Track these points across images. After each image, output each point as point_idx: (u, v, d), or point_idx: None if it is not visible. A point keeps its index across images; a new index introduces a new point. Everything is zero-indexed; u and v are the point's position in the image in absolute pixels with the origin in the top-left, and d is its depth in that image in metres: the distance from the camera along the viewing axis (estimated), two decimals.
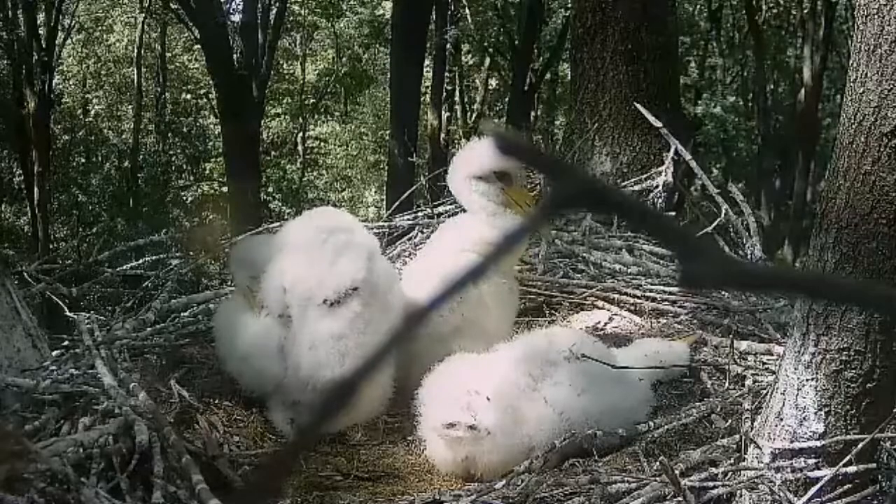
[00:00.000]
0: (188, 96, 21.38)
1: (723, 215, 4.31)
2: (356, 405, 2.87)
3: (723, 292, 3.71)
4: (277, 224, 4.22)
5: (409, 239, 4.28)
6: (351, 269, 2.88)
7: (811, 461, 2.30)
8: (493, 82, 19.47)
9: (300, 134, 22.11)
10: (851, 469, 2.26)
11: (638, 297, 3.77)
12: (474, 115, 18.89)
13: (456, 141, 18.81)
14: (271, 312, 2.95)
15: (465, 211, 3.35)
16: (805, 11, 16.50)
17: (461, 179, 3.23)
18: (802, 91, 16.03)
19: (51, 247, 14.54)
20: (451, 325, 3.07)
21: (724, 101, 18.14)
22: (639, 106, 4.84)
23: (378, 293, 2.90)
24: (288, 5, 16.68)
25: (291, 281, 2.92)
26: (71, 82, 20.40)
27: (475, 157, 3.20)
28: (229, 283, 4.09)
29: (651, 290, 3.81)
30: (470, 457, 2.65)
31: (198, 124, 21.09)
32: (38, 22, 15.82)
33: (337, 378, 2.82)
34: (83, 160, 20.43)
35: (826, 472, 2.26)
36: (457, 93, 19.16)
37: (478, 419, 2.65)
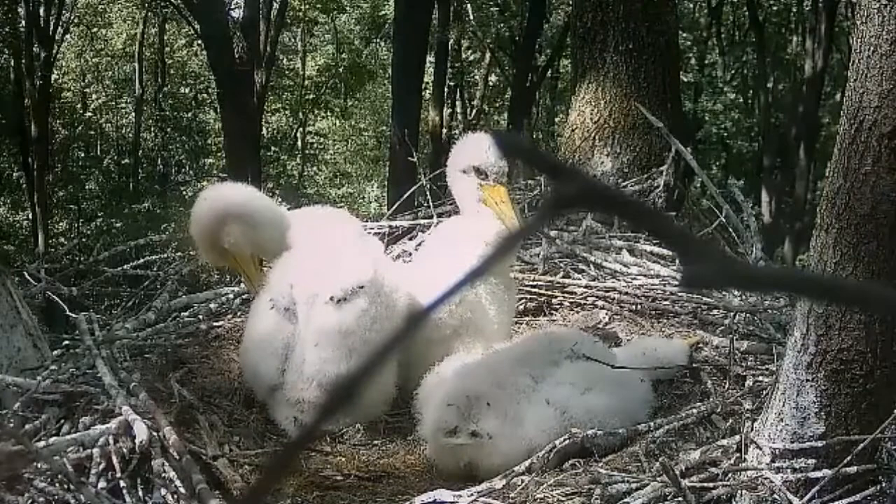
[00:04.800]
0: (187, 90, 21.37)
1: (723, 215, 4.30)
2: (358, 405, 2.87)
3: (723, 292, 3.71)
4: None
5: (410, 239, 4.28)
6: (357, 268, 2.90)
7: (812, 461, 2.30)
8: (493, 78, 19.45)
9: (300, 129, 22.11)
10: (852, 469, 2.26)
11: (638, 297, 3.77)
12: (474, 112, 18.87)
13: (457, 137, 18.78)
14: (276, 306, 2.95)
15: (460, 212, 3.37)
16: (807, 9, 16.48)
17: (451, 175, 3.26)
18: (803, 88, 16.02)
19: (50, 242, 14.55)
20: (451, 326, 3.07)
21: (725, 99, 18.14)
22: (639, 106, 4.83)
23: (384, 292, 2.91)
24: (288, 0, 16.68)
25: (298, 277, 2.93)
26: (69, 77, 20.37)
27: (458, 151, 3.23)
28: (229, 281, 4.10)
29: (651, 290, 3.81)
30: (472, 461, 2.66)
31: (197, 119, 21.07)
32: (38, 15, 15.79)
33: (341, 376, 2.83)
34: (82, 155, 20.42)
35: (826, 473, 2.26)
36: (458, 89, 19.15)
37: (479, 425, 2.65)
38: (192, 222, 3.13)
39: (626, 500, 2.35)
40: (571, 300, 3.84)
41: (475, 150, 3.15)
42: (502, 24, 16.85)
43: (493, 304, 3.15)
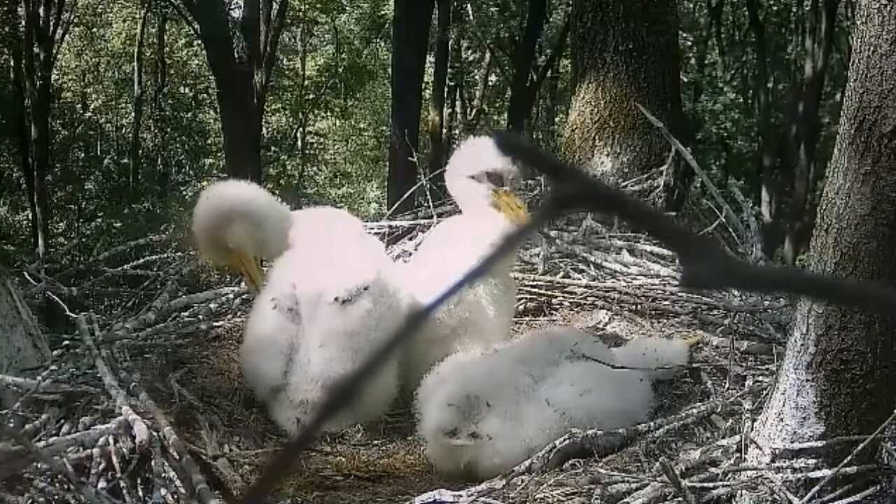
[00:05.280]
0: (187, 90, 21.35)
1: (723, 215, 4.31)
2: (360, 405, 2.88)
3: (723, 292, 3.71)
4: None
5: (410, 239, 4.28)
6: (361, 269, 2.90)
7: (811, 461, 2.30)
8: (493, 78, 19.46)
9: (300, 129, 22.10)
10: (852, 469, 2.26)
11: (638, 297, 3.77)
12: (474, 112, 18.87)
13: (457, 137, 18.82)
14: (279, 306, 2.95)
15: (461, 212, 3.36)
16: (807, 8, 16.48)
17: (455, 178, 3.23)
18: (803, 88, 16.02)
19: (49, 242, 14.54)
20: (450, 326, 3.07)
21: (725, 99, 18.13)
22: (639, 106, 4.84)
23: (387, 292, 2.92)
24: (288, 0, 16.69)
25: (301, 278, 2.93)
26: (69, 77, 20.37)
27: (468, 156, 3.20)
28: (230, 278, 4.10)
29: (651, 290, 3.81)
30: (472, 461, 2.66)
31: (197, 119, 21.06)
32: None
33: (342, 376, 2.84)
34: (82, 155, 20.42)
35: (826, 473, 2.26)
36: (458, 89, 19.15)
37: (479, 426, 2.65)
38: (195, 221, 3.11)
39: (626, 500, 2.35)
40: (571, 300, 3.84)
41: (490, 154, 3.09)
42: (502, 25, 16.85)
43: (492, 305, 3.14)
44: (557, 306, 3.85)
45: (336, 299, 2.85)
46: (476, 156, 3.17)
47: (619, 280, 3.96)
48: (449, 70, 16.16)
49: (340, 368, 2.83)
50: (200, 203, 3.13)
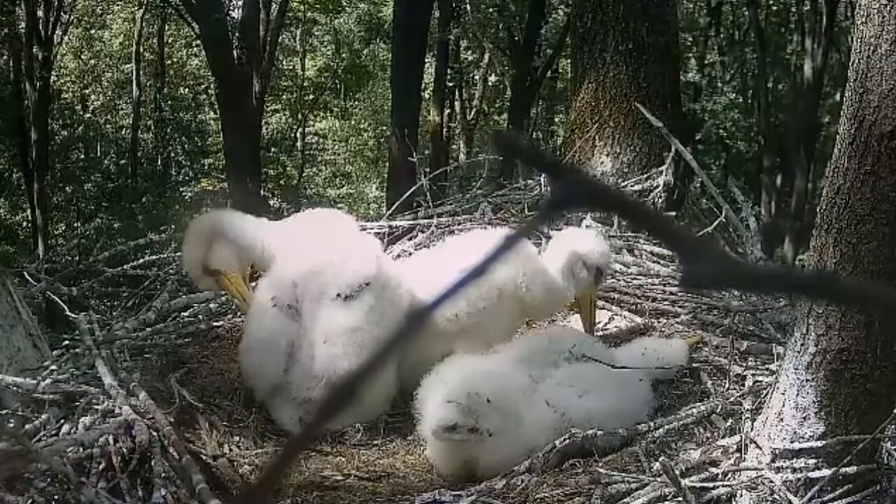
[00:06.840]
0: (186, 91, 21.33)
1: (723, 215, 4.31)
2: (360, 404, 2.88)
3: (723, 292, 3.71)
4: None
5: (410, 239, 4.27)
6: (362, 265, 2.93)
7: (811, 461, 2.31)
8: (492, 79, 19.44)
9: (300, 130, 22.09)
10: (851, 469, 2.26)
11: (638, 297, 3.77)
12: (474, 112, 18.86)
13: (457, 137, 18.83)
14: (279, 304, 2.96)
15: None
16: (807, 9, 16.47)
17: (563, 248, 3.28)
18: (803, 88, 16.01)
19: (49, 242, 14.54)
20: (452, 326, 3.07)
21: (725, 99, 18.13)
22: (639, 106, 4.84)
23: (388, 288, 2.94)
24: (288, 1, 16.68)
25: (301, 276, 2.95)
26: (68, 78, 20.34)
27: (583, 242, 3.28)
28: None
29: (651, 290, 3.81)
30: (471, 458, 2.66)
31: (197, 120, 21.04)
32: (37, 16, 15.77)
33: (343, 375, 2.86)
34: (82, 156, 20.40)
35: (826, 473, 2.26)
36: (458, 89, 19.13)
37: (479, 422, 2.65)
38: (183, 254, 3.24)
39: (626, 500, 2.35)
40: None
41: (604, 251, 3.27)
42: (501, 25, 16.84)
43: (496, 307, 3.14)
44: None
45: (338, 295, 2.87)
46: (591, 246, 3.27)
47: (619, 280, 3.96)
48: (448, 70, 16.16)
49: (345, 365, 2.85)
50: (186, 237, 3.25)
